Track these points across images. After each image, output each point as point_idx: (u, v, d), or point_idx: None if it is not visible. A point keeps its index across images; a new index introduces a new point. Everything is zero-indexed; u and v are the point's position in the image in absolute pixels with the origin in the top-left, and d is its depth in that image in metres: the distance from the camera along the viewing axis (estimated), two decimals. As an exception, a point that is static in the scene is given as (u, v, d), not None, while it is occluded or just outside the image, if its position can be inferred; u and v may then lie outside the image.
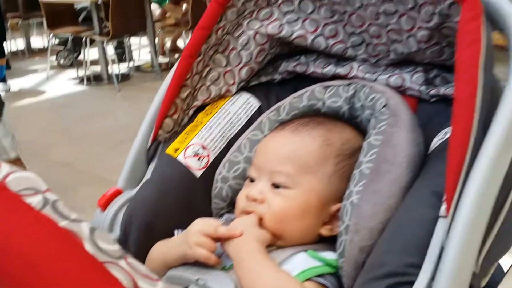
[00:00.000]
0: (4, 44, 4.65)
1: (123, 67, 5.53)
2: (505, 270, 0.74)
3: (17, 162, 1.96)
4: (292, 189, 0.73)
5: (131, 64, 5.66)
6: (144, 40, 5.84)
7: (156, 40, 5.58)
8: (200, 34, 0.85)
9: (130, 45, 5.76)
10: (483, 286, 0.62)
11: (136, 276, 0.33)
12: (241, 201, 0.76)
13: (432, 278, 0.56)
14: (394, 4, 0.77)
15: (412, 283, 0.57)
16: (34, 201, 0.32)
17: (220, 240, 0.70)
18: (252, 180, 0.77)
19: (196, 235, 0.71)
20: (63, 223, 0.32)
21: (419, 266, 0.58)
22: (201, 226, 0.72)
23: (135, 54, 6.03)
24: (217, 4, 0.85)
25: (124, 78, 5.20)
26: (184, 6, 5.61)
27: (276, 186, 0.74)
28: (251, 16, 0.89)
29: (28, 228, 0.30)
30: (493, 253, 0.61)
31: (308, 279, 0.67)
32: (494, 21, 0.65)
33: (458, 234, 0.55)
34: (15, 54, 6.51)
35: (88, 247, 0.32)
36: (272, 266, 0.66)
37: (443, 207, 0.58)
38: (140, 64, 5.86)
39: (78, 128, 3.85)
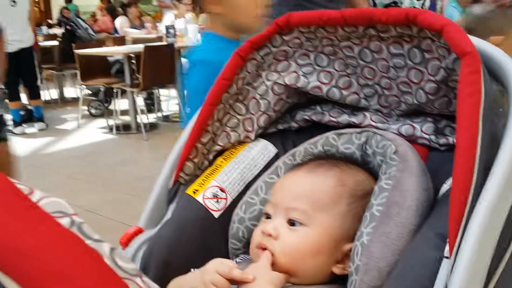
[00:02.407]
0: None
1: (151, 117, 5.70)
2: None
3: None
4: (306, 226, 0.76)
5: (159, 114, 5.83)
6: (173, 92, 6.04)
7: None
8: (221, 84, 0.91)
9: (159, 96, 5.96)
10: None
11: (149, 291, 0.37)
12: (256, 236, 0.80)
13: (437, 317, 0.58)
14: (403, 59, 0.82)
15: (417, 323, 0.59)
16: (63, 222, 0.37)
17: (235, 282, 0.73)
18: (268, 217, 0.81)
19: (211, 274, 0.74)
20: (87, 242, 0.37)
21: (424, 306, 0.59)
22: (217, 265, 0.75)
23: (163, 105, 6.23)
24: (239, 56, 0.92)
25: (152, 127, 5.36)
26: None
27: (291, 223, 0.77)
28: (270, 68, 0.95)
29: (58, 240, 0.35)
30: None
31: None
32: (495, 76, 0.70)
33: (460, 274, 0.57)
34: (49, 103, 6.78)
35: (108, 263, 0.36)
36: None
37: (447, 248, 0.61)
38: (168, 114, 6.03)
39: (105, 175, 3.95)
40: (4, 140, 2.37)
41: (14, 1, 4.99)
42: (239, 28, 1.60)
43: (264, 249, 0.78)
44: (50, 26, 9.72)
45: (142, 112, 5.54)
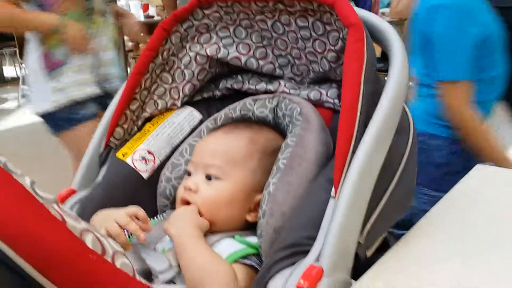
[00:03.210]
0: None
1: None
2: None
3: None
4: (222, 180, 0.86)
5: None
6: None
7: (129, 69, 5.71)
8: (147, 55, 0.99)
9: (102, 74, 5.88)
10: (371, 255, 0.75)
11: (64, 215, 0.45)
12: (180, 191, 0.89)
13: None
14: (309, 31, 0.92)
15: (308, 252, 0.70)
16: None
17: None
18: (189, 174, 0.90)
19: (111, 222, 0.81)
20: (12, 176, 0.44)
21: (314, 238, 0.71)
22: (120, 215, 0.82)
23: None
24: (163, 29, 0.99)
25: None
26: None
27: (208, 178, 0.87)
28: (193, 40, 1.03)
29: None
30: (377, 227, 0.74)
31: (235, 261, 0.79)
32: (381, 41, 0.81)
33: (340, 210, 0.68)
34: (-13, 83, 6.57)
35: (30, 191, 0.44)
36: (207, 249, 0.78)
37: (333, 190, 0.72)
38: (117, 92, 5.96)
39: (48, 155, 3.92)
40: None
41: None
42: None
43: (187, 202, 0.87)
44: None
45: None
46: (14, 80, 6.64)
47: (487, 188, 1.03)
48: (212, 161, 0.88)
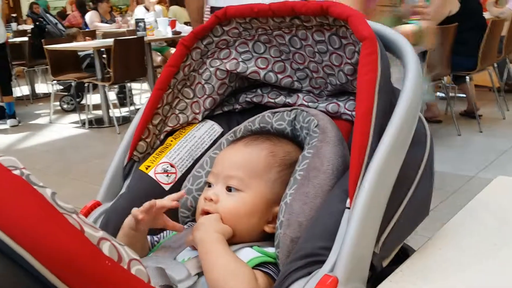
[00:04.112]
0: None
1: (124, 111, 5.75)
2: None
3: None
4: (242, 192, 0.88)
5: (131, 107, 5.89)
6: (145, 85, 6.09)
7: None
8: (168, 71, 1.02)
9: (131, 89, 6.01)
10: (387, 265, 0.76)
11: (82, 224, 0.48)
12: (200, 202, 0.92)
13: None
14: (326, 45, 0.94)
15: (323, 262, 0.71)
16: (15, 173, 0.47)
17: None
18: (210, 186, 0.92)
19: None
20: (34, 187, 0.47)
21: (330, 248, 0.72)
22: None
23: (136, 99, 6.28)
24: (184, 46, 1.03)
25: (124, 121, 5.41)
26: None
27: (229, 189, 0.89)
28: (213, 56, 1.06)
29: (8, 183, 0.45)
30: (393, 237, 0.75)
31: (254, 268, 0.80)
32: (392, 51, 0.82)
33: (354, 221, 0.69)
34: (20, 99, 6.77)
35: (50, 202, 0.47)
36: (230, 252, 0.80)
37: (348, 200, 0.73)
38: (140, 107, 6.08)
39: (78, 169, 4.01)
40: None
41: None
42: None
43: (207, 213, 0.89)
44: (19, 22, 9.63)
45: (114, 106, 5.59)
46: (46, 97, 6.84)
47: (507, 198, 1.02)
48: (233, 173, 0.89)
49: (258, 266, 0.81)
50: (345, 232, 0.70)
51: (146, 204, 0.86)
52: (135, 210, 0.86)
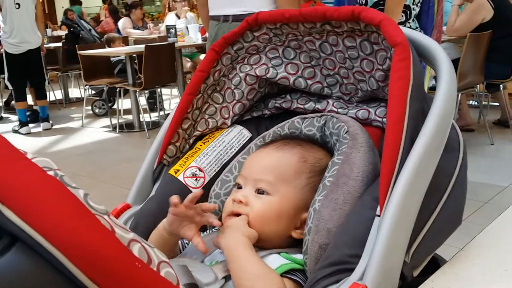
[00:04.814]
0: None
1: (154, 116, 5.83)
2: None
3: None
4: (271, 195, 0.88)
5: (161, 113, 5.96)
6: (175, 91, 6.15)
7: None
8: (199, 76, 1.03)
9: (161, 95, 6.08)
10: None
11: (114, 225, 0.48)
12: (228, 204, 0.91)
13: (369, 265, 0.69)
14: (356, 51, 0.93)
15: (353, 270, 0.70)
16: (49, 173, 0.48)
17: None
18: (239, 187, 0.92)
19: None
20: (68, 188, 0.48)
21: (359, 256, 0.71)
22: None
23: (166, 104, 6.35)
24: (214, 51, 1.03)
25: (154, 125, 5.48)
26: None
27: (258, 192, 0.89)
28: (243, 61, 1.07)
29: (42, 182, 0.46)
30: (424, 246, 0.73)
31: (282, 275, 0.80)
32: (428, 59, 0.81)
33: (384, 229, 0.68)
34: (54, 103, 6.92)
35: (82, 202, 0.48)
36: (257, 258, 0.79)
37: (378, 208, 0.72)
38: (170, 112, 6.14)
39: (108, 172, 4.07)
40: None
41: (18, 4, 5.12)
42: None
43: (237, 214, 0.89)
44: (53, 28, 9.87)
45: (145, 111, 5.66)
46: (79, 101, 6.98)
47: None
48: (263, 176, 0.89)
49: (286, 273, 0.80)
50: (375, 240, 0.69)
51: (190, 196, 0.85)
52: (173, 197, 0.85)
